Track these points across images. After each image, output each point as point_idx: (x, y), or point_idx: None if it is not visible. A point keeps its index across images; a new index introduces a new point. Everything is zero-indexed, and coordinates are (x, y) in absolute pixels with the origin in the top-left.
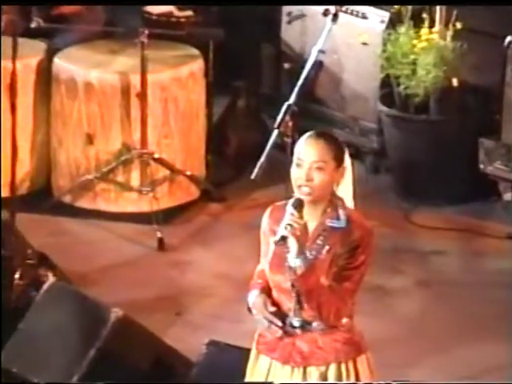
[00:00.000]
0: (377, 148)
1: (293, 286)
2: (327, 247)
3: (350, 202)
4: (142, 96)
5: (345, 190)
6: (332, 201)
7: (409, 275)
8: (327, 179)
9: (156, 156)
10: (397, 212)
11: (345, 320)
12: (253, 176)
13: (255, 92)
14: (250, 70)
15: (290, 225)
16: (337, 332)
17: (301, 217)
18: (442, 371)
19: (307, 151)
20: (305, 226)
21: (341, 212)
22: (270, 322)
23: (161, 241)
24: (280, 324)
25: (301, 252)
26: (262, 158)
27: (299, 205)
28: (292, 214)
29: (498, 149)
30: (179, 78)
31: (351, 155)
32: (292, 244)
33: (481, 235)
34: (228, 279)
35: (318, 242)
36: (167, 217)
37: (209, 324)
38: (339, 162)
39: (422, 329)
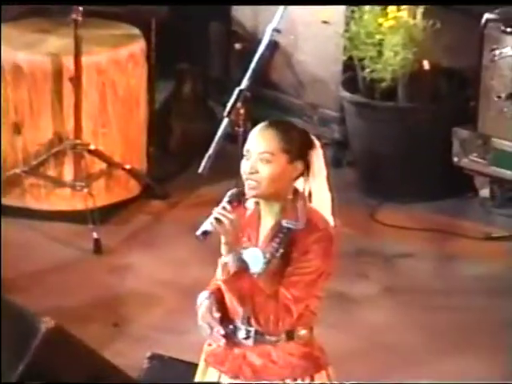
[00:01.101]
0: (338, 138)
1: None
2: (281, 250)
3: (325, 206)
4: (76, 80)
5: (318, 192)
6: (292, 200)
7: (374, 281)
8: (276, 173)
9: (91, 147)
10: (361, 210)
11: (302, 332)
12: (200, 170)
13: (202, 76)
14: (197, 52)
15: (217, 219)
16: (293, 345)
17: (243, 211)
18: None
19: (254, 141)
20: (257, 225)
21: (300, 212)
22: (212, 328)
23: (97, 242)
24: (222, 332)
25: (230, 250)
26: (210, 150)
27: (236, 198)
28: (224, 208)
29: (474, 139)
30: (118, 61)
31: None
32: (222, 240)
33: (455, 236)
34: (172, 286)
35: (273, 244)
36: (104, 216)
37: (151, 336)
38: (293, 155)
39: (389, 341)
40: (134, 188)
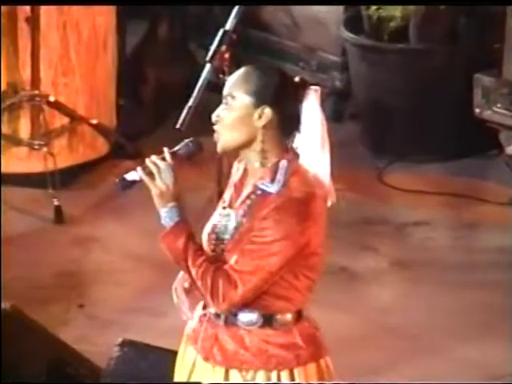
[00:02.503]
0: (340, 87)
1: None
2: (249, 215)
3: (319, 168)
4: (33, 21)
5: (308, 150)
6: (277, 158)
7: (382, 254)
8: (235, 119)
9: (51, 99)
10: (366, 171)
11: (285, 316)
12: (178, 125)
13: (180, 15)
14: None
15: (144, 168)
16: (270, 331)
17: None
18: (424, 377)
19: (225, 85)
20: (240, 187)
21: (280, 173)
22: (178, 298)
23: (58, 210)
24: (186, 304)
25: (164, 202)
26: (190, 101)
27: (187, 150)
28: (162, 158)
29: (499, 87)
30: None
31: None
32: (152, 192)
33: (476, 201)
34: (146, 260)
35: (244, 207)
36: (67, 179)
37: (121, 319)
38: (259, 98)
39: (399, 324)
40: (101, 146)
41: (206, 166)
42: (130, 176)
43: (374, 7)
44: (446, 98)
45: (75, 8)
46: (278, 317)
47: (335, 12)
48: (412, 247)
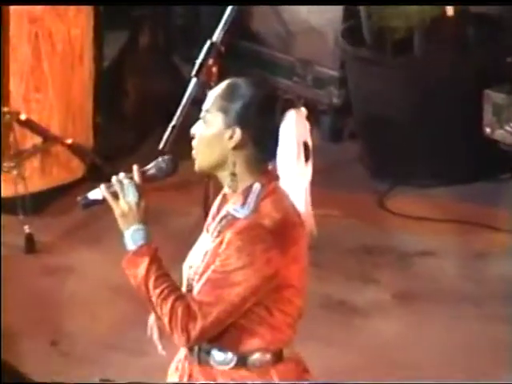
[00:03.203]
0: (338, 104)
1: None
2: (217, 239)
3: (296, 195)
4: (1, 30)
5: (285, 175)
6: (250, 181)
7: (384, 285)
8: (207, 137)
9: (22, 117)
10: (366, 195)
11: (261, 356)
12: (161, 145)
13: (164, 24)
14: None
15: (108, 185)
16: (244, 373)
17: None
18: None
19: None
20: (217, 212)
21: (251, 197)
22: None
23: (30, 238)
24: (155, 333)
25: (128, 223)
26: (174, 120)
27: (158, 170)
28: (130, 178)
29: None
30: (55, 7)
31: (308, 119)
32: (115, 212)
33: (486, 228)
34: (123, 292)
35: (215, 232)
36: (39, 204)
37: (98, 355)
38: (231, 117)
39: (403, 362)
40: (76, 168)
41: (193, 189)
42: (93, 194)
43: (375, 16)
44: (454, 115)
45: (48, 17)
46: (254, 357)
47: (333, 21)
48: (417, 278)
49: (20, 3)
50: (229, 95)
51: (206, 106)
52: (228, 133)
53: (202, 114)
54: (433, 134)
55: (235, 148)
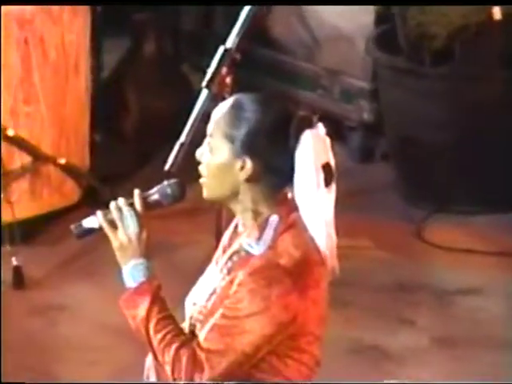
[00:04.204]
0: (369, 120)
1: None
2: (227, 279)
3: (316, 229)
4: None
5: (304, 206)
6: (267, 213)
7: (421, 328)
8: (215, 166)
9: (10, 133)
10: (401, 224)
11: None
12: (167, 166)
13: (171, 30)
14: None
15: (106, 213)
16: None
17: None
18: None
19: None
20: (228, 245)
21: (267, 231)
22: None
23: (18, 271)
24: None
25: (127, 258)
26: (182, 137)
27: (164, 193)
28: (130, 204)
29: None
30: (48, 9)
31: (330, 136)
32: (113, 245)
33: None
34: (123, 334)
35: (224, 269)
36: (28, 233)
37: None
38: (238, 147)
39: None
40: (70, 192)
41: (202, 217)
42: (89, 222)
43: (412, 22)
44: (500, 135)
45: (39, 20)
46: None
47: (364, 27)
48: (458, 320)
49: (21, 3)
50: (233, 120)
51: (209, 129)
52: (238, 163)
53: (207, 140)
54: (476, 156)
55: (248, 180)
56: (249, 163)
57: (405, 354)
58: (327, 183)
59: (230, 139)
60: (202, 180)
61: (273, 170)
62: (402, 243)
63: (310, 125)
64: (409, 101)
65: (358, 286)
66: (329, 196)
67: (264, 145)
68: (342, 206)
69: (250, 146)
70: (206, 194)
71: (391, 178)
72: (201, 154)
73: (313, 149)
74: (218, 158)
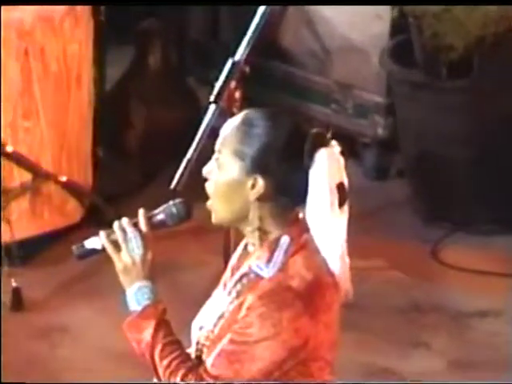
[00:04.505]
0: (383, 136)
1: None
2: (236, 302)
3: (329, 250)
4: None
5: (317, 227)
6: (276, 234)
7: (437, 351)
8: (223, 184)
9: (9, 149)
10: (417, 244)
11: None
12: (172, 185)
13: (177, 40)
14: (169, 5)
15: (109, 233)
16: None
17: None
18: None
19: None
20: (236, 267)
21: (278, 253)
22: None
23: (17, 293)
24: None
25: (128, 283)
26: (189, 154)
27: (170, 213)
28: (134, 224)
29: None
30: (49, 18)
31: (343, 153)
32: (117, 267)
33: None
34: (127, 359)
35: (233, 292)
36: (28, 253)
37: None
38: (250, 165)
39: None
40: (72, 211)
41: (209, 238)
42: (91, 243)
43: (428, 32)
44: None
45: (40, 31)
46: None
47: (378, 38)
48: (474, 343)
49: (21, 3)
50: (243, 136)
51: (218, 145)
52: (248, 182)
53: (215, 156)
54: (495, 173)
55: (259, 199)
56: (260, 182)
57: (419, 378)
58: (340, 204)
59: (241, 156)
60: (209, 203)
61: (285, 190)
62: (417, 264)
63: (325, 143)
64: (425, 116)
65: (370, 307)
66: (342, 217)
67: (276, 163)
68: (356, 225)
69: (261, 164)
70: (214, 217)
71: (407, 196)
72: (208, 170)
73: (328, 168)
74: (227, 175)
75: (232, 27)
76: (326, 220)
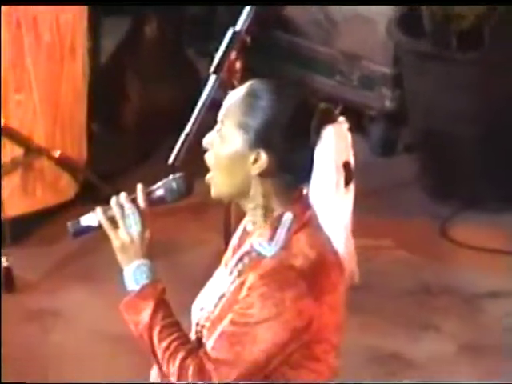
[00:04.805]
0: (391, 109)
1: None
2: (237, 282)
3: (334, 230)
4: None
5: (322, 205)
6: (279, 211)
7: (447, 334)
8: (225, 157)
9: (0, 124)
10: (425, 222)
11: None
12: (170, 160)
13: (175, 11)
14: None
15: (106, 209)
16: None
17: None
18: None
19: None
20: (238, 246)
21: (280, 231)
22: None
23: (8, 274)
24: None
25: (125, 262)
26: (188, 127)
27: (170, 189)
28: (132, 200)
29: None
30: None
31: (350, 129)
32: (114, 244)
33: None
34: (123, 342)
35: (235, 271)
36: (19, 232)
37: None
38: (253, 138)
39: None
40: (66, 188)
41: (210, 214)
42: (87, 220)
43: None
44: None
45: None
46: None
47: (385, 7)
48: (487, 326)
49: (21, 3)
50: (248, 108)
51: (220, 115)
52: (251, 156)
53: (218, 126)
54: (507, 149)
55: (261, 175)
56: (263, 157)
57: (429, 363)
58: (346, 183)
59: (244, 128)
60: (208, 176)
61: (289, 166)
62: (426, 242)
63: (333, 119)
64: (435, 89)
65: (377, 289)
66: (347, 197)
67: (281, 138)
68: (362, 203)
69: (265, 138)
70: (214, 191)
71: (415, 172)
72: (209, 141)
73: (335, 146)
74: (230, 147)
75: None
76: (331, 199)
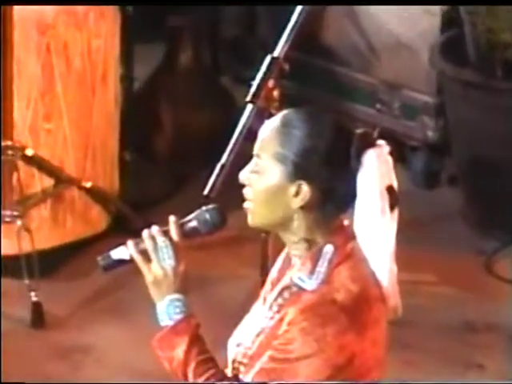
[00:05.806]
0: (434, 139)
1: None
2: (277, 317)
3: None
4: (4, 42)
5: (365, 234)
6: (320, 244)
7: (491, 373)
8: (264, 190)
9: (29, 153)
10: (470, 257)
11: None
12: (206, 191)
13: (210, 36)
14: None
15: (137, 242)
16: None
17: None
18: None
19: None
20: (277, 279)
21: (321, 263)
22: None
23: (37, 308)
24: None
25: (159, 297)
26: (224, 158)
27: (203, 220)
28: (164, 232)
29: None
30: (73, 11)
31: (392, 154)
32: (147, 279)
33: None
34: (155, 380)
35: (274, 306)
36: (49, 265)
37: None
38: (292, 170)
39: None
40: (97, 219)
41: (246, 247)
42: (118, 253)
43: (482, 27)
44: None
45: (62, 25)
46: None
47: (428, 34)
48: None
49: (21, 3)
50: (284, 139)
51: (256, 149)
52: (291, 188)
53: (253, 161)
54: None
55: (303, 207)
56: (305, 188)
57: None
58: (391, 208)
59: (281, 160)
60: (246, 204)
61: (331, 196)
62: (470, 278)
63: (372, 143)
64: (479, 117)
65: (420, 325)
66: (392, 223)
67: (321, 167)
68: (404, 235)
69: (304, 169)
70: (251, 220)
71: (459, 204)
72: (246, 176)
73: (377, 170)
74: (268, 180)
75: (270, 22)
76: (376, 226)
